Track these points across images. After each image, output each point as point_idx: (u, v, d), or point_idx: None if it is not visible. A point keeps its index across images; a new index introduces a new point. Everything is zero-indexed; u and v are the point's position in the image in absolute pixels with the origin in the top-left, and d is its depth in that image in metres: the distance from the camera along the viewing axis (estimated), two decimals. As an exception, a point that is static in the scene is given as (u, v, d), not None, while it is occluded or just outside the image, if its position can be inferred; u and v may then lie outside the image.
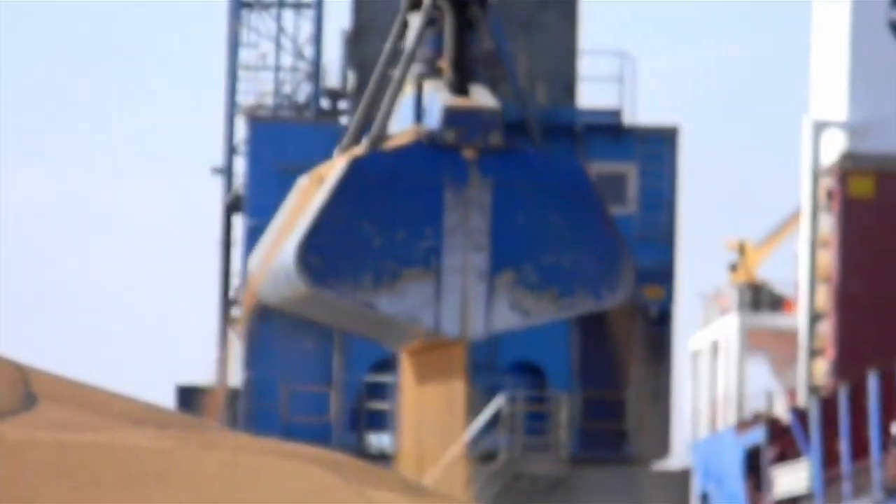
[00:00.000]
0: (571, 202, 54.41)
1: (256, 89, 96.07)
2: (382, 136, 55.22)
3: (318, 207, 54.55)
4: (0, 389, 29.13)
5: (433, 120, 54.81)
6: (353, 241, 54.26)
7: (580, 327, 65.47)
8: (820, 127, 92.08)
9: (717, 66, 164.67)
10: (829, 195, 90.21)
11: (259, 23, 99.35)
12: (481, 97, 55.84)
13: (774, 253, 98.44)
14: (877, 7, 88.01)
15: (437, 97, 54.86)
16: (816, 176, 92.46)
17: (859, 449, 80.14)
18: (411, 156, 54.43)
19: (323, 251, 54.12)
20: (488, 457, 56.77)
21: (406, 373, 56.99)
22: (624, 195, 64.05)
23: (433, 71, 55.29)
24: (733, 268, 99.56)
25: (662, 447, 71.21)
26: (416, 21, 56.07)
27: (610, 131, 69.47)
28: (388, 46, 59.13)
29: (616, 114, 71.04)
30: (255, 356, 67.73)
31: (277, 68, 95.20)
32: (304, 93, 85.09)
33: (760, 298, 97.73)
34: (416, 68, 55.64)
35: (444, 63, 54.95)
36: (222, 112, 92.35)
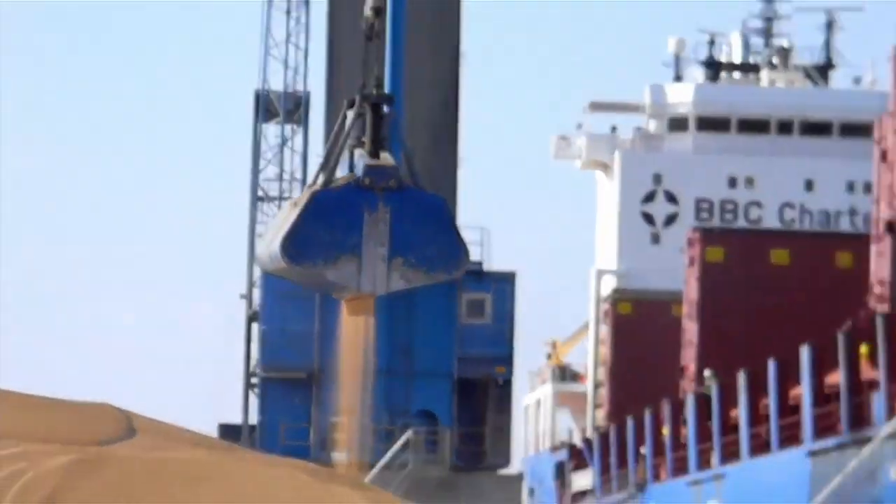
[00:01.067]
0: (436, 218, 75.38)
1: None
2: (330, 179, 76.84)
3: (293, 219, 76.63)
4: (112, 424, 47.49)
5: (359, 171, 78.47)
6: (310, 239, 75.55)
7: (458, 391, 79.89)
8: (601, 273, 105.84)
9: (548, 225, 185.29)
10: (606, 314, 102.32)
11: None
12: (386, 159, 78.15)
13: (575, 347, 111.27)
14: (634, 201, 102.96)
15: (362, 158, 78.21)
16: (598, 302, 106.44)
17: (622, 462, 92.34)
18: (346, 192, 76.13)
19: (294, 244, 75.36)
20: (402, 466, 70.60)
21: (343, 312, 75.19)
22: (483, 313, 79.18)
23: (360, 143, 77.34)
24: (549, 356, 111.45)
25: (506, 460, 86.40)
26: (350, 114, 77.93)
27: (475, 274, 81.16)
28: (334, 130, 78.89)
29: (479, 264, 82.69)
30: (266, 406, 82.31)
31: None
32: None
33: (565, 374, 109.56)
34: (351, 142, 77.22)
35: (366, 139, 76.96)
36: (246, 258, 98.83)
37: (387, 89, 67.75)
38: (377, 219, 62.55)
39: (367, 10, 66.27)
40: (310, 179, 72.52)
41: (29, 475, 33.90)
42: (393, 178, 63.56)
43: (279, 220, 68.34)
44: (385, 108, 64.47)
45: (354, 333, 61.92)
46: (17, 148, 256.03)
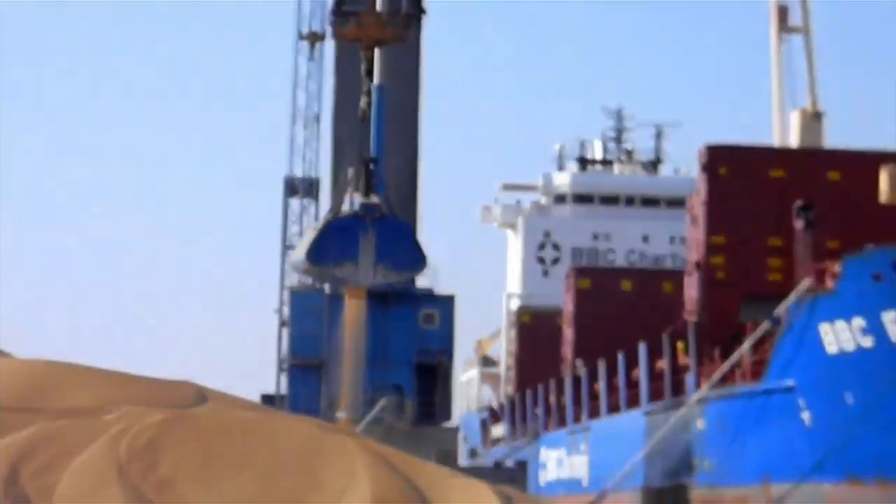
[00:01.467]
0: (406, 236, 69.94)
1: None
2: (338, 212, 69.96)
3: (314, 237, 70.96)
4: (191, 394, 45.68)
5: (356, 207, 68.94)
6: (325, 250, 68.94)
7: (417, 373, 74.63)
8: (510, 296, 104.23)
9: (477, 264, 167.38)
10: (513, 322, 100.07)
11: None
12: (374, 199, 68.90)
13: (493, 345, 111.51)
14: (532, 249, 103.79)
15: (358, 198, 68.84)
16: (508, 314, 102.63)
17: (523, 418, 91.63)
18: (348, 220, 68.45)
19: (315, 252, 69.26)
20: (379, 422, 65.69)
21: (347, 299, 68.62)
22: (434, 321, 73.78)
23: (357, 188, 69.09)
24: (476, 350, 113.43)
25: (449, 418, 79.24)
26: (351, 172, 69.85)
27: (429, 296, 76.11)
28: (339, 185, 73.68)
29: (431, 289, 76.40)
30: (291, 383, 77.56)
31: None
32: None
33: (487, 362, 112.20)
34: (351, 188, 69.21)
35: (361, 185, 68.70)
36: (277, 286, 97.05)
37: (373, 154, 70.30)
38: (368, 238, 68.92)
39: (363, 105, 67.41)
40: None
41: (134, 429, 33.98)
42: (378, 212, 70.34)
43: (305, 239, 74.27)
44: (372, 166, 69.84)
45: (354, 312, 68.38)
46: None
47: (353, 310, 68.40)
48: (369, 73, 69.72)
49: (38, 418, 33.14)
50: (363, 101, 68.77)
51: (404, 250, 70.51)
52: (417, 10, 72.99)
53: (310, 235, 71.50)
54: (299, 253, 73.93)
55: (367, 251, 68.69)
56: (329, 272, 71.72)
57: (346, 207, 69.73)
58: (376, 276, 69.27)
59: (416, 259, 71.00)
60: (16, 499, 30.94)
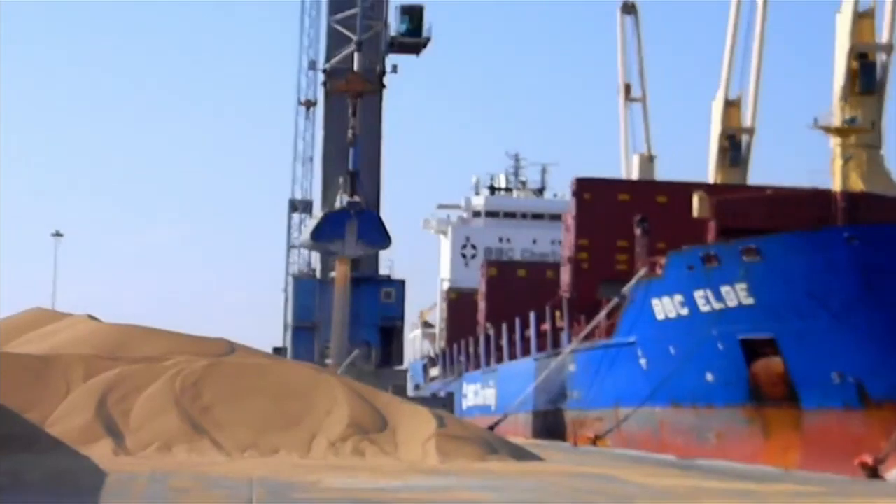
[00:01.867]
0: (378, 224, 68.22)
1: (300, 260, 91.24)
2: (332, 208, 69.46)
3: (316, 223, 69.99)
4: (224, 347, 46.82)
5: (344, 203, 67.92)
6: (323, 231, 67.95)
7: (380, 332, 73.06)
8: (443, 280, 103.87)
9: (420, 258, 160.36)
10: (444, 298, 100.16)
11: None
12: (357, 199, 67.87)
13: (431, 314, 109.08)
14: (458, 248, 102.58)
15: (346, 198, 68.20)
16: (441, 293, 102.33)
17: (452, 363, 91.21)
18: (339, 212, 67.46)
19: (317, 232, 68.17)
20: (353, 366, 63.41)
21: (339, 264, 67.84)
22: (391, 297, 72.91)
23: (345, 191, 67.94)
24: (420, 317, 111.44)
25: (401, 363, 78.10)
26: (341, 182, 69.11)
27: (388, 280, 74.59)
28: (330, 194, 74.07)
29: (388, 275, 75.55)
30: (294, 339, 75.06)
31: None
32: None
33: (427, 325, 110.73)
34: (340, 189, 68.78)
35: (348, 190, 67.85)
36: (283, 273, 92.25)
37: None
38: (352, 224, 67.43)
39: (350, 135, 66.50)
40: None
41: (185, 371, 34.20)
42: (359, 207, 68.58)
43: (310, 225, 72.62)
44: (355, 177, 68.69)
45: (342, 274, 67.73)
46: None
47: (342, 272, 67.98)
48: (354, 113, 68.45)
49: (119, 363, 33.62)
50: (350, 132, 68.46)
51: (377, 233, 69.24)
52: (380, 80, 72.17)
53: (313, 223, 71.31)
54: (306, 234, 73.07)
55: (352, 233, 67.77)
56: (325, 246, 70.90)
57: (337, 204, 69.13)
58: (357, 250, 68.86)
59: (384, 239, 69.98)
60: (104, 418, 31.28)
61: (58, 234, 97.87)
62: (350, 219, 68.18)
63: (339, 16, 69.59)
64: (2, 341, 36.33)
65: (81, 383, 32.23)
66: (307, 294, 74.36)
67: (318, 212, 75.35)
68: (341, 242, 68.77)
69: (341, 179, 69.58)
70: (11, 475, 21.96)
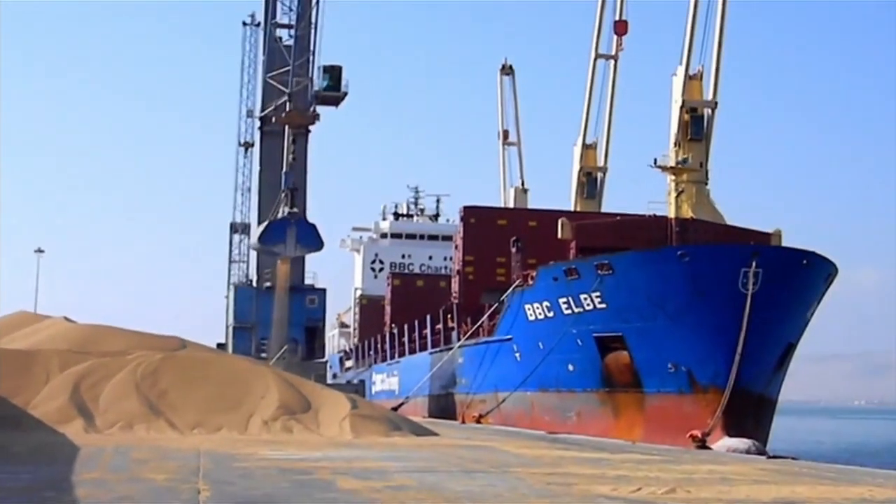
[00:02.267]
0: (312, 229, 66.03)
1: (239, 272, 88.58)
2: (275, 218, 66.64)
3: (262, 229, 66.70)
4: (177, 343, 46.12)
5: (285, 214, 66.07)
6: (268, 236, 65.87)
7: (305, 332, 70.27)
8: (356, 289, 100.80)
9: (337, 271, 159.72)
10: (357, 303, 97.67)
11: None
12: (295, 210, 66.49)
13: (347, 316, 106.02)
14: (368, 263, 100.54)
15: (286, 209, 66.04)
16: (355, 299, 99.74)
17: (364, 356, 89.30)
18: (281, 221, 65.54)
19: (263, 237, 65.95)
20: (283, 359, 61.52)
21: (280, 264, 67.10)
22: (315, 303, 71.06)
23: (286, 204, 66.22)
24: (337, 318, 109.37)
25: (323, 356, 75.74)
26: (281, 197, 66.92)
27: (312, 288, 72.26)
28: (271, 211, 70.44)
29: (312, 284, 72.99)
30: (234, 337, 72.16)
31: (245, 263, 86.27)
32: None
33: (343, 325, 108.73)
34: (283, 206, 66.78)
35: (287, 203, 66.48)
36: (225, 284, 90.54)
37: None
38: (291, 230, 65.68)
39: (291, 159, 65.32)
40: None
41: (145, 363, 33.65)
42: (297, 216, 66.73)
43: (257, 231, 68.73)
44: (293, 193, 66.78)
45: (283, 271, 66.89)
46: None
47: (283, 271, 67.40)
48: (294, 141, 68.14)
49: (90, 357, 33.06)
50: (291, 157, 68.17)
51: (312, 237, 67.88)
52: (306, 126, 69.92)
53: (259, 230, 69.27)
54: (254, 238, 71.49)
55: (291, 237, 66.80)
56: (270, 248, 69.09)
57: (279, 215, 67.71)
58: (296, 251, 67.90)
59: (318, 242, 68.48)
60: (77, 402, 30.79)
61: (40, 251, 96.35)
62: (290, 225, 67.18)
63: (274, 73, 68.66)
64: (-6, 338, 36.11)
65: (58, 373, 31.78)
66: (246, 300, 72.85)
67: (255, 231, 74.34)
68: (283, 245, 67.68)
69: (282, 194, 68.30)
70: (0, 449, 21.85)
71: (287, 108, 67.40)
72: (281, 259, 68.50)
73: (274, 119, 70.99)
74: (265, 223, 69.12)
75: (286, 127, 68.24)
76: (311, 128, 69.27)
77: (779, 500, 14.80)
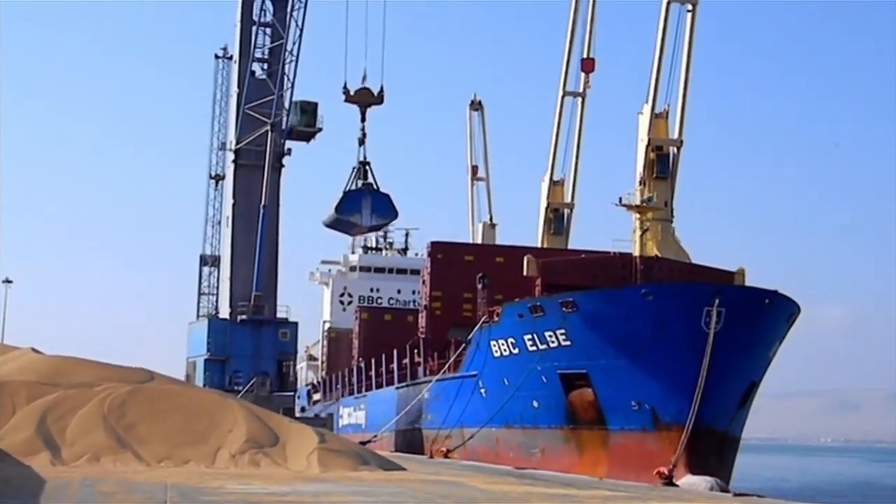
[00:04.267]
0: (387, 200, 68.16)
1: (209, 304, 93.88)
2: (348, 191, 68.28)
3: (338, 200, 66.68)
4: (144, 375, 44.69)
5: (359, 186, 68.51)
6: (344, 206, 66.58)
7: (277, 365, 67.17)
8: (325, 322, 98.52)
9: (309, 304, 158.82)
10: (325, 336, 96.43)
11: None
12: (369, 181, 68.66)
13: (315, 348, 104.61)
14: (337, 296, 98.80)
15: (360, 182, 68.07)
16: (323, 332, 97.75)
17: (331, 390, 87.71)
18: (357, 191, 67.34)
19: (340, 207, 66.14)
20: (251, 391, 60.59)
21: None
22: (288, 336, 67.61)
23: (358, 178, 68.67)
24: (306, 350, 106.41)
25: (294, 390, 72.30)
26: (353, 171, 68.50)
27: (285, 321, 68.86)
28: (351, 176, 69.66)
29: (286, 318, 69.78)
30: (207, 370, 67.76)
31: (215, 295, 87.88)
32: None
33: (312, 357, 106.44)
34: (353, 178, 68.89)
35: (360, 176, 68.67)
36: (195, 312, 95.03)
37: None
38: (367, 201, 67.68)
39: (361, 136, 67.80)
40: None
41: (112, 395, 33.37)
42: (372, 187, 68.31)
43: (333, 203, 68.94)
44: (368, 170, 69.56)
45: None
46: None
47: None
48: (363, 119, 69.04)
49: (57, 389, 32.71)
50: (361, 133, 69.21)
51: (387, 208, 68.56)
52: (279, 160, 68.73)
53: (335, 201, 69.29)
54: (330, 210, 70.70)
55: (367, 206, 67.43)
56: (347, 218, 69.04)
57: (351, 187, 68.54)
58: (372, 220, 69.24)
59: (393, 212, 69.62)
60: (43, 434, 30.45)
61: (7, 281, 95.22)
62: (365, 195, 67.36)
63: (254, 104, 67.91)
64: (-43, 370, 35.58)
65: (25, 405, 31.45)
66: (220, 332, 69.91)
67: (225, 265, 73.15)
68: (359, 214, 68.01)
69: (354, 168, 69.25)
70: (-37, 482, 21.54)
71: (267, 140, 66.30)
72: (353, 232, 72.99)
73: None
74: (341, 194, 68.83)
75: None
76: (283, 161, 68.36)
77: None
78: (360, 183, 68.25)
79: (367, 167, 68.74)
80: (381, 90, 69.74)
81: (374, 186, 68.93)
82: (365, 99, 69.16)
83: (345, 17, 66.56)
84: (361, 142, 68.95)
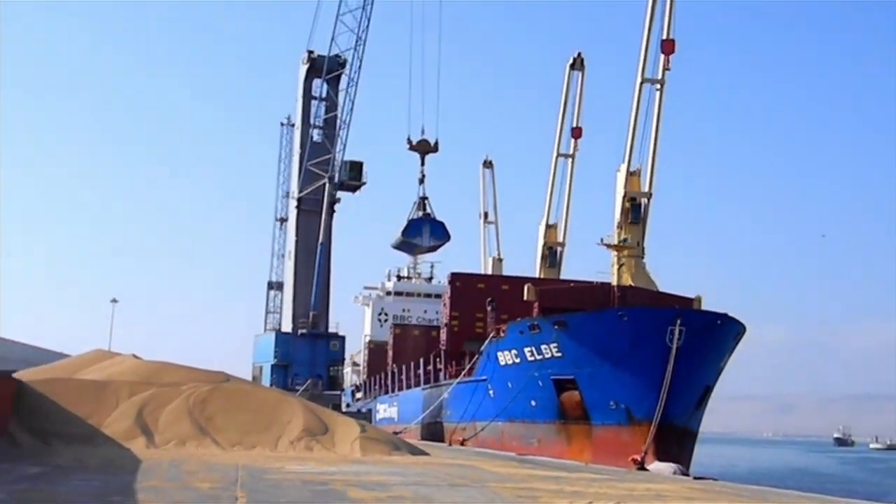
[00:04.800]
0: (442, 226, 69.74)
1: (274, 321, 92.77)
2: (412, 219, 69.64)
3: (405, 226, 68.49)
4: (222, 377, 46.65)
5: (420, 216, 69.35)
6: (409, 230, 67.91)
7: (327, 369, 65.51)
8: (366, 336, 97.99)
9: (355, 321, 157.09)
10: (367, 347, 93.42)
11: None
12: (428, 211, 70.16)
13: (360, 356, 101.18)
14: (376, 315, 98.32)
15: (421, 213, 69.49)
16: (366, 344, 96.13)
17: (371, 390, 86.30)
18: (419, 219, 68.74)
19: (405, 231, 68.08)
20: (307, 391, 58.70)
21: None
22: (337, 347, 66.02)
23: (419, 209, 70.00)
24: (352, 358, 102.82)
25: (340, 390, 69.91)
26: (413, 206, 70.22)
27: (335, 335, 66.98)
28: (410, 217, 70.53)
29: (337, 332, 68.16)
30: (273, 375, 66.16)
31: (278, 314, 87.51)
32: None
33: (356, 364, 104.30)
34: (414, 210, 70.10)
35: (420, 209, 70.55)
36: (261, 327, 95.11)
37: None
38: (426, 226, 68.53)
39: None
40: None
41: (196, 392, 33.23)
42: (430, 216, 68.97)
43: (400, 230, 70.31)
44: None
45: None
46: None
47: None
48: (423, 163, 69.63)
49: (152, 387, 32.59)
50: (420, 175, 69.51)
51: (442, 232, 68.91)
52: (331, 207, 69.27)
53: (401, 228, 70.62)
54: (397, 235, 71.84)
55: (426, 231, 68.31)
56: (410, 240, 69.96)
57: (413, 216, 69.42)
58: (430, 241, 69.90)
59: (447, 236, 69.78)
60: (140, 423, 30.36)
61: (114, 301, 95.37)
62: (425, 223, 68.26)
63: (313, 161, 67.91)
64: (75, 371, 35.17)
65: (126, 400, 31.39)
66: (284, 343, 69.37)
67: (288, 289, 72.74)
68: (420, 237, 68.92)
69: (414, 202, 70.01)
70: (77, 461, 21.54)
71: (325, 190, 66.31)
72: (415, 252, 74.44)
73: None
74: (406, 221, 70.03)
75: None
76: (335, 207, 68.41)
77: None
78: (420, 213, 68.80)
79: (426, 201, 69.45)
80: (437, 142, 70.23)
81: (432, 215, 69.59)
82: (423, 148, 69.73)
83: (407, 89, 67.98)
84: (421, 181, 69.34)
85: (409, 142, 69.57)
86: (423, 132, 69.85)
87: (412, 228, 68.52)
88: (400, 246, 73.18)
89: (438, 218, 70.13)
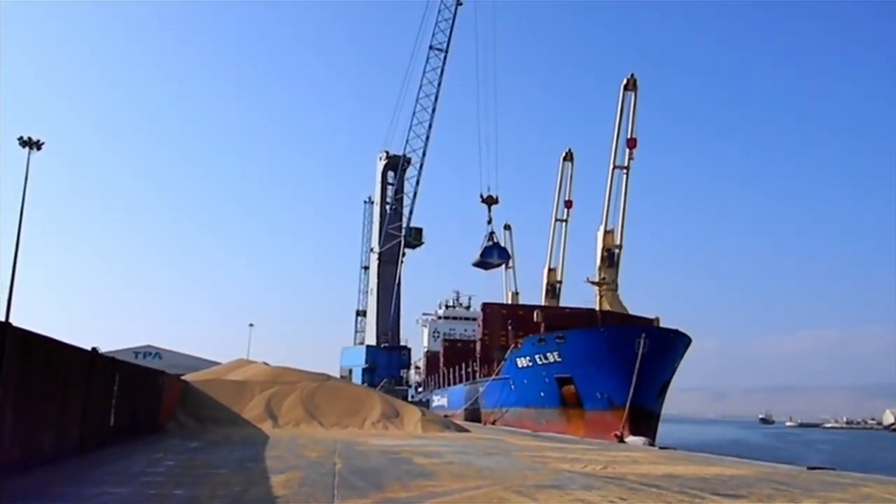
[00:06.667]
0: (505, 251, 73.64)
1: (359, 338, 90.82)
2: (486, 245, 68.89)
3: (480, 251, 68.83)
4: (324, 377, 45.70)
5: (491, 243, 68.52)
6: (485, 254, 68.24)
7: (398, 371, 65.81)
8: (424, 347, 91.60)
9: (419, 335, 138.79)
10: (425, 355, 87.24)
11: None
12: (498, 241, 69.88)
13: (420, 361, 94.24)
14: (432, 333, 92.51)
15: (491, 242, 69.39)
16: (424, 353, 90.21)
17: (428, 385, 75.43)
18: (490, 247, 67.07)
19: (483, 254, 68.30)
20: (383, 387, 57.74)
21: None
22: (407, 356, 65.78)
23: (489, 240, 69.38)
24: (414, 363, 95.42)
25: (409, 385, 68.44)
26: (486, 235, 69.57)
27: (405, 347, 68.93)
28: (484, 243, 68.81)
29: (406, 345, 70.07)
30: (363, 375, 67.26)
31: (363, 332, 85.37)
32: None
33: (417, 368, 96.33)
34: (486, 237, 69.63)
35: (490, 238, 69.84)
36: (350, 341, 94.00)
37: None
38: (495, 250, 66.85)
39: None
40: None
41: (307, 388, 32.77)
42: (498, 245, 67.35)
43: (477, 253, 68.51)
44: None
45: None
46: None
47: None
48: (489, 221, 70.57)
49: (277, 385, 32.43)
50: (489, 220, 69.67)
51: (505, 254, 69.83)
52: (398, 259, 69.97)
53: (478, 251, 70.17)
54: (476, 257, 71.39)
55: (496, 253, 68.06)
56: (485, 260, 69.12)
57: (486, 244, 69.01)
58: (498, 260, 69.69)
59: (507, 256, 70.87)
60: (269, 411, 30.20)
61: (251, 325, 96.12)
62: (494, 248, 68.00)
63: (392, 225, 69.19)
64: (223, 374, 35.66)
65: (259, 394, 31.30)
66: (371, 353, 70.35)
67: (371, 315, 72.34)
68: (492, 258, 68.73)
69: (485, 236, 68.68)
70: (224, 437, 21.46)
71: (400, 247, 67.36)
72: (488, 268, 69.23)
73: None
74: (482, 247, 69.57)
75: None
76: (404, 259, 69.09)
77: (668, 473, 14.28)
78: (490, 242, 69.44)
79: (493, 235, 70.23)
80: (497, 196, 71.88)
81: (498, 244, 70.33)
82: (490, 201, 71.42)
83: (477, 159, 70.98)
84: (489, 222, 71.23)
85: (481, 196, 70.03)
86: (489, 189, 70.72)
87: (486, 252, 68.08)
88: (478, 264, 72.80)
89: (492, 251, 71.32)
